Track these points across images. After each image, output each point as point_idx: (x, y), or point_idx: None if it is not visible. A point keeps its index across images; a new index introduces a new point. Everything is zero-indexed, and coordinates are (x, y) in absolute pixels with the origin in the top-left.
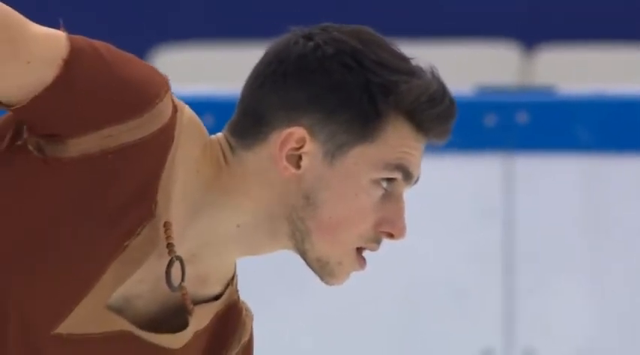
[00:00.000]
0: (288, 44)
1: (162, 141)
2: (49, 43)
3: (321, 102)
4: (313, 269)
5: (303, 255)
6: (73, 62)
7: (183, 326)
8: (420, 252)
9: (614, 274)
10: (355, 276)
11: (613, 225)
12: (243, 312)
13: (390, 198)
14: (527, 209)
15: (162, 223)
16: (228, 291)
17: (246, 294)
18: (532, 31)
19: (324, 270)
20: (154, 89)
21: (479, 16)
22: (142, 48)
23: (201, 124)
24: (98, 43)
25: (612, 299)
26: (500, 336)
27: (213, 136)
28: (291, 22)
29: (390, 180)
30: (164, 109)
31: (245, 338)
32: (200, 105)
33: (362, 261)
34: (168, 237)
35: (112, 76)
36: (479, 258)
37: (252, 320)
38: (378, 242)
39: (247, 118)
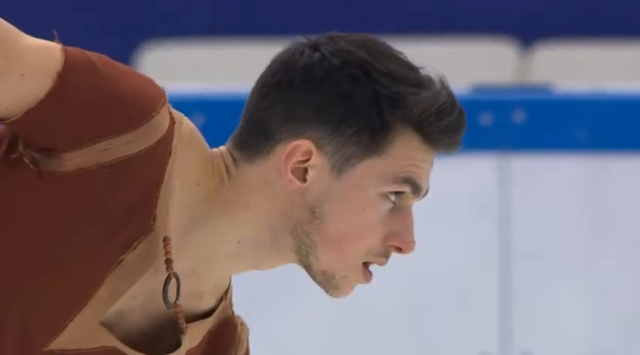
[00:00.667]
0: (294, 55)
1: (160, 154)
2: (43, 56)
3: (328, 114)
4: (317, 282)
5: (308, 268)
6: (67, 75)
7: (176, 342)
8: (415, 253)
9: (613, 274)
10: None
11: (611, 225)
12: (239, 327)
13: (399, 211)
14: (524, 209)
15: (160, 238)
16: (221, 306)
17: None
18: (529, 28)
19: (329, 283)
20: (150, 102)
21: (475, 14)
22: (129, 45)
23: (201, 136)
24: (93, 55)
25: (611, 300)
26: (497, 338)
27: (215, 149)
28: (283, 20)
29: (398, 193)
30: (161, 121)
31: (241, 353)
32: (189, 104)
33: (368, 275)
34: (167, 253)
35: (107, 89)
36: (475, 258)
37: (247, 334)
38: (386, 256)
39: (251, 130)
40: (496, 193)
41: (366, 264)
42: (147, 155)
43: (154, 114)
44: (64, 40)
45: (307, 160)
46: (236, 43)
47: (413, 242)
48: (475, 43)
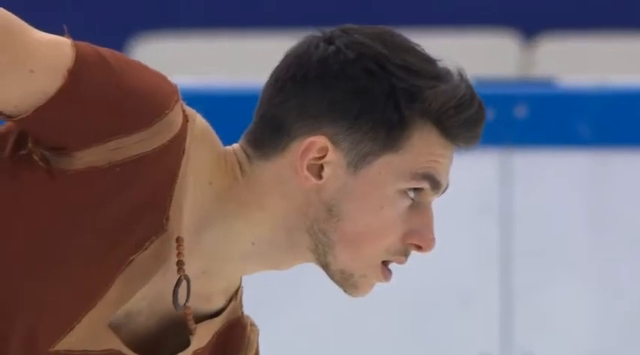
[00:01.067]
0: (309, 48)
1: (173, 152)
2: (54, 52)
3: (343, 109)
4: (335, 281)
5: (325, 267)
6: (78, 72)
7: (183, 342)
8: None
9: (616, 272)
10: None
11: (615, 222)
12: (248, 328)
13: (418, 208)
14: (526, 206)
15: (173, 238)
16: (231, 306)
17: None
18: (532, 21)
19: (348, 282)
20: (162, 99)
21: (477, 6)
22: (123, 37)
23: (214, 134)
24: (105, 51)
25: (613, 298)
26: (498, 338)
27: (229, 147)
28: (279, 13)
29: (417, 189)
30: (174, 119)
31: (251, 354)
32: (184, 98)
33: (387, 274)
34: (179, 254)
35: (119, 86)
36: (476, 256)
37: (257, 335)
38: (406, 255)
39: (265, 127)
40: (497, 189)
41: (385, 263)
42: (160, 153)
43: (167, 111)
44: (57, 33)
45: (323, 157)
46: (231, 36)
47: (433, 240)
48: (477, 36)
